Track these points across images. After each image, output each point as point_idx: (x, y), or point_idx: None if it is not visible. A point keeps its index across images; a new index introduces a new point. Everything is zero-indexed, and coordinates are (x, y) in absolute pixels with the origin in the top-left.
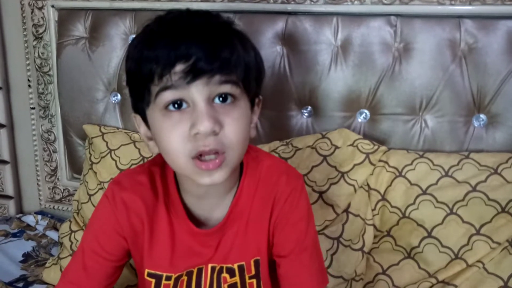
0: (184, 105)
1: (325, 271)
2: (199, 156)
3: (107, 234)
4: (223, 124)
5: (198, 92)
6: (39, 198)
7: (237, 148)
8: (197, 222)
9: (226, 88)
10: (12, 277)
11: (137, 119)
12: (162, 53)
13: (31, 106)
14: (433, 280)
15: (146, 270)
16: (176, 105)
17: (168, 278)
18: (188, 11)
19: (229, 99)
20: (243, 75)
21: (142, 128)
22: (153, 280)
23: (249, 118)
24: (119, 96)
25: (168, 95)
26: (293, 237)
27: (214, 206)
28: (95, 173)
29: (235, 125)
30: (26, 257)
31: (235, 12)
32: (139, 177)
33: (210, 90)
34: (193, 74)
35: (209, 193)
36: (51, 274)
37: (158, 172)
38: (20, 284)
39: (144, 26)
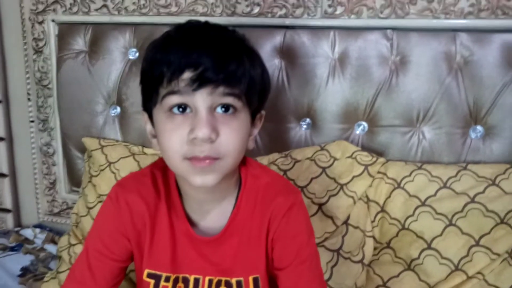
0: (188, 110)
1: (325, 285)
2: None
3: (111, 235)
4: (220, 132)
5: (201, 100)
6: (38, 211)
7: (231, 156)
8: (196, 229)
9: (229, 100)
10: None
11: (145, 117)
12: (174, 59)
13: (31, 119)
14: None
15: (146, 271)
16: (180, 109)
17: (167, 280)
18: (206, 23)
19: (230, 110)
20: (246, 89)
21: (148, 125)
22: (152, 281)
23: (248, 130)
24: (118, 109)
25: (174, 99)
26: (291, 250)
27: (213, 215)
28: (94, 186)
29: (232, 135)
30: (24, 271)
31: (234, 26)
32: (142, 179)
33: (213, 99)
34: (199, 82)
35: (206, 198)
36: None
37: (160, 175)
38: None
39: (164, 32)
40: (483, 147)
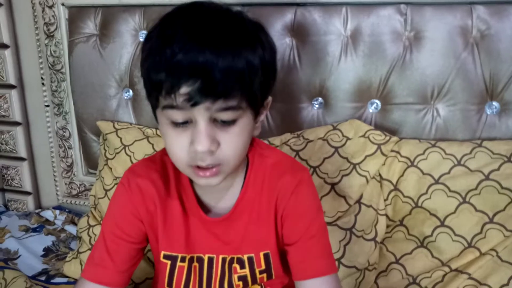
0: (188, 121)
1: (333, 260)
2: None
3: (126, 218)
4: (221, 141)
5: (200, 115)
6: (57, 194)
7: (233, 161)
8: (207, 210)
9: (228, 116)
10: (34, 271)
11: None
12: (171, 70)
13: (45, 104)
14: (446, 269)
15: (162, 252)
16: (181, 121)
17: (183, 260)
18: (205, 20)
19: (231, 120)
20: (248, 97)
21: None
22: (169, 262)
23: (251, 127)
24: (131, 92)
25: (175, 114)
26: (300, 227)
27: (222, 196)
28: (111, 168)
29: (233, 142)
30: (47, 251)
31: (244, 5)
32: (152, 165)
33: (211, 113)
34: (197, 98)
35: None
36: (72, 267)
37: (169, 160)
38: (43, 278)
39: (159, 30)
40: (498, 123)
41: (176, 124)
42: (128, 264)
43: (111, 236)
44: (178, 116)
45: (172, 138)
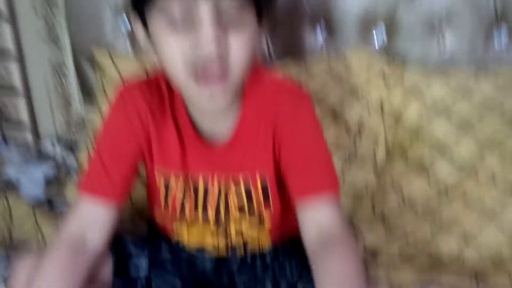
0: (190, 17)
1: (335, 177)
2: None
3: (122, 136)
4: (230, 45)
5: (203, 5)
6: (54, 125)
7: (241, 71)
8: (203, 133)
9: (234, 2)
10: (36, 200)
11: (134, 17)
12: None
13: (40, 34)
14: (444, 198)
15: (156, 168)
16: (181, 16)
17: (177, 178)
18: None
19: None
20: None
21: (139, 29)
22: (162, 180)
23: (256, 39)
24: (127, 23)
25: (171, 6)
26: (299, 153)
27: (218, 120)
28: (109, 99)
29: (243, 48)
30: (48, 180)
31: None
32: (147, 85)
33: (215, 1)
34: None
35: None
36: (74, 194)
37: (164, 84)
38: (45, 206)
39: None
40: (506, 53)
41: (174, 24)
42: (128, 186)
43: (109, 158)
44: (176, 7)
45: (170, 43)
